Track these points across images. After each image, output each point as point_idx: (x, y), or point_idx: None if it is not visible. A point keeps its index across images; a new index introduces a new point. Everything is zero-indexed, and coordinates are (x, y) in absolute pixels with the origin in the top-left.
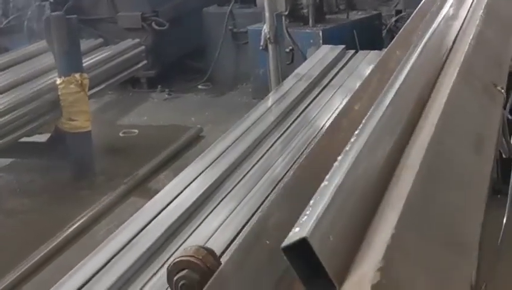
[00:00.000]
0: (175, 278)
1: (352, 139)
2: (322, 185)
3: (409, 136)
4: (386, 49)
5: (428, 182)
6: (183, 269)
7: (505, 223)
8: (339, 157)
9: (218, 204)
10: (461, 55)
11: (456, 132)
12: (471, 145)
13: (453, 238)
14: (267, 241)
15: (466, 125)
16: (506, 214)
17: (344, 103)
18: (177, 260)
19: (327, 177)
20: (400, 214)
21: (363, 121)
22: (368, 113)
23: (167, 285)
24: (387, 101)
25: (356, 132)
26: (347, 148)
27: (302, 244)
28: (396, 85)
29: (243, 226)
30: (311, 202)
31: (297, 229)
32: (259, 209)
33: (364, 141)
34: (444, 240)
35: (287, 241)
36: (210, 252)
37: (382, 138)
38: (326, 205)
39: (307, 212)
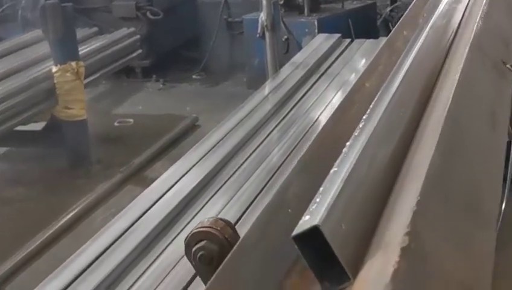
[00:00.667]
0: (193, 249)
1: (360, 125)
2: (332, 171)
3: (422, 113)
4: (392, 31)
5: (447, 154)
6: (201, 240)
7: (504, 209)
8: (348, 143)
9: (215, 193)
10: (470, 34)
11: (470, 107)
12: (485, 121)
13: (474, 207)
14: (289, 210)
15: (480, 101)
16: (505, 200)
17: (341, 93)
18: (195, 231)
19: (336, 163)
20: (423, 183)
21: (375, 100)
22: (379, 92)
23: (166, 271)
24: (398, 79)
25: (364, 117)
26: (355, 133)
27: (314, 233)
28: (407, 63)
29: (241, 215)
30: (321, 189)
31: (307, 217)
32: (257, 198)
33: (375, 122)
34: (466, 209)
35: (297, 230)
36: (228, 223)
37: (394, 116)
38: (338, 191)
39: (317, 200)
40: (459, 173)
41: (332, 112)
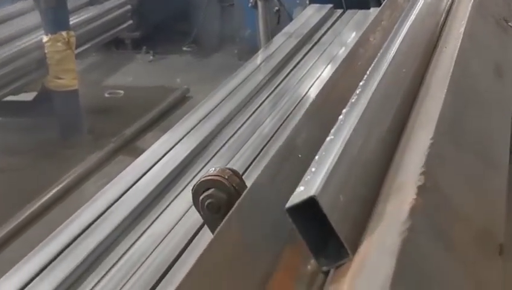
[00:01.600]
0: (201, 197)
1: (357, 91)
2: (328, 139)
3: (427, 67)
4: None
5: (458, 100)
6: (208, 189)
7: None
8: (344, 110)
9: (209, 160)
10: None
11: (477, 57)
12: (492, 71)
13: (485, 152)
14: (299, 155)
15: (485, 52)
16: None
17: (332, 64)
18: (203, 179)
19: (332, 131)
20: (435, 126)
21: (378, 55)
22: (384, 46)
23: (158, 241)
24: (403, 33)
25: (361, 83)
26: (352, 100)
27: (310, 204)
28: (409, 20)
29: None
30: (316, 157)
31: (302, 188)
32: (253, 164)
33: (374, 84)
34: (477, 153)
35: (291, 202)
36: (235, 172)
37: (396, 73)
38: (336, 159)
39: (313, 169)
40: (470, 118)
41: (339, 63)
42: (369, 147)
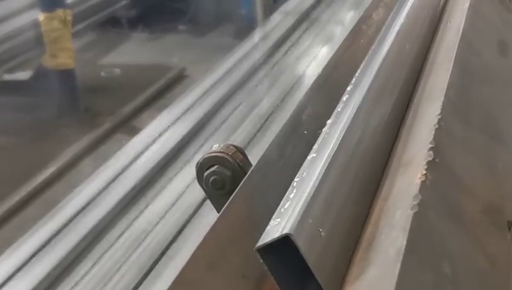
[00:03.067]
0: (205, 174)
1: (357, 73)
2: (309, 157)
3: (432, 41)
4: None
5: (464, 75)
6: (213, 165)
7: None
8: (329, 121)
9: (209, 137)
10: None
11: (481, 34)
12: (496, 48)
13: (493, 128)
14: (305, 132)
15: (489, 29)
16: None
17: (328, 45)
18: (207, 156)
19: (315, 147)
20: (442, 102)
21: (379, 37)
22: (386, 23)
23: (154, 221)
24: (406, 8)
25: (362, 63)
26: (348, 95)
27: (284, 241)
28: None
29: None
30: (295, 180)
31: (277, 220)
32: (252, 140)
33: (372, 74)
34: (486, 129)
35: (264, 239)
36: (239, 149)
37: (402, 48)
38: (316, 185)
39: (291, 196)
40: (477, 93)
41: (340, 41)
42: (362, 149)
